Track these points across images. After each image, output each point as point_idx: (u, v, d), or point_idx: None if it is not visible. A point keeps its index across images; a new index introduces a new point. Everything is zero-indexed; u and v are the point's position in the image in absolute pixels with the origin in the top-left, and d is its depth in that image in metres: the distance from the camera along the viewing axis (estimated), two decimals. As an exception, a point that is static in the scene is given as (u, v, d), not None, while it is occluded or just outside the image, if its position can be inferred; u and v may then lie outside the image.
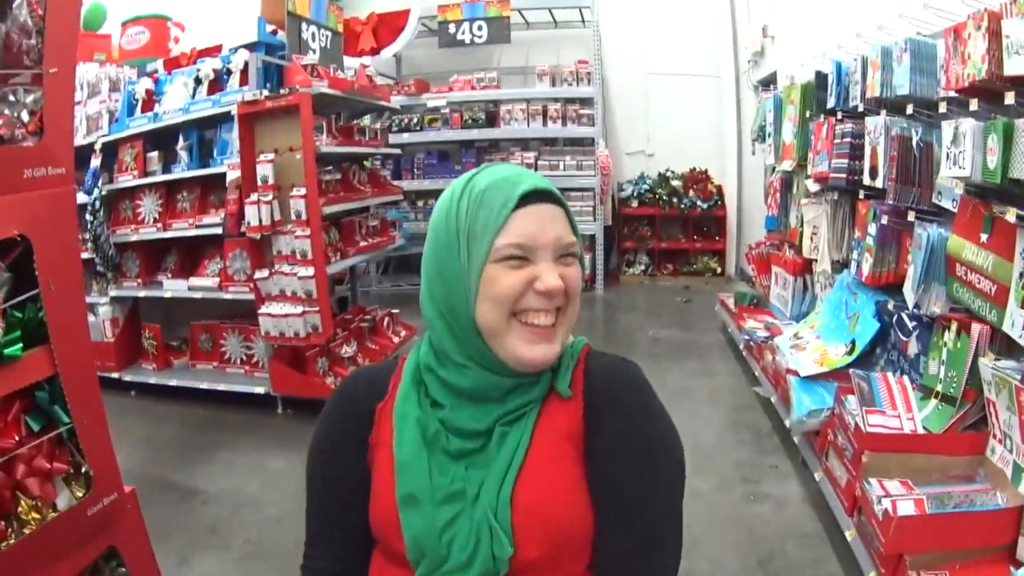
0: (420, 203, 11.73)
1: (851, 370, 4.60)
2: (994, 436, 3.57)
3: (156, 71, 7.42)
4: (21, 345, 2.36)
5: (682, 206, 11.96)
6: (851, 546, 3.78)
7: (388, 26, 11.25)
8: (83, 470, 2.68)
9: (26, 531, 2.37)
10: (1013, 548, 3.12)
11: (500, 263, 1.42)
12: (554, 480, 1.43)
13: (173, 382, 6.90)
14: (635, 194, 12.16)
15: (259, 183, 5.98)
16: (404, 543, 1.43)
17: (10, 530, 2.35)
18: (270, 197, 5.95)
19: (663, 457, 1.48)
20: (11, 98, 2.49)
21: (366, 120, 8.58)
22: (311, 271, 6.02)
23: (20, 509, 2.42)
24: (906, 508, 3.36)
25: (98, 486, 2.66)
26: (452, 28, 11.34)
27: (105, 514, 2.70)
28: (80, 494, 2.62)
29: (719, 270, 12.15)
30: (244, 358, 6.86)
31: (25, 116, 2.48)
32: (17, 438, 2.40)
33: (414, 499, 1.44)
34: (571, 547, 1.43)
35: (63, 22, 2.51)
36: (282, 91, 6.02)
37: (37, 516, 2.45)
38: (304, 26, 6.85)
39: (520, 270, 1.42)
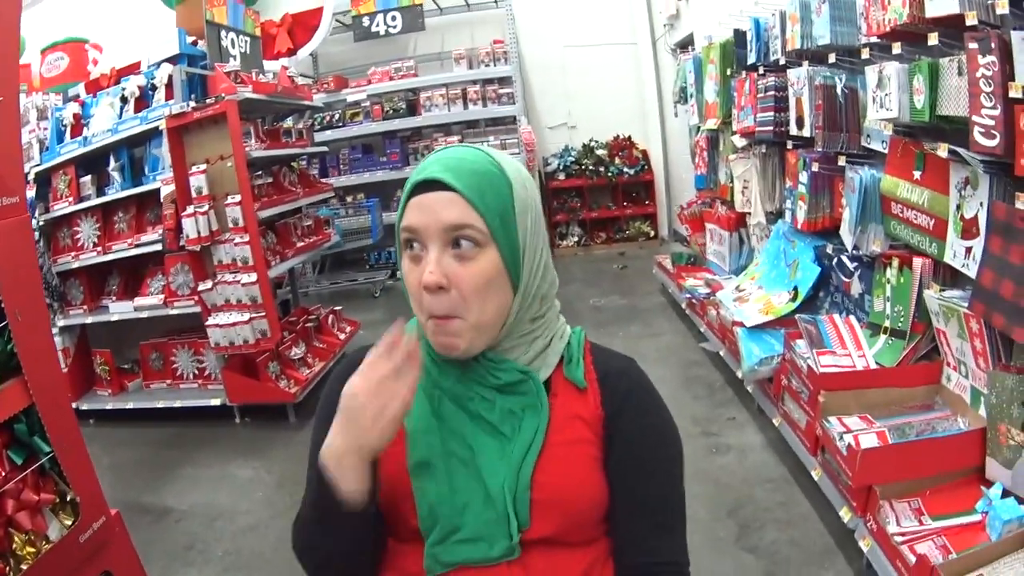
0: (349, 199, 11.66)
1: (797, 316, 4.74)
2: (948, 364, 3.72)
3: (79, 95, 7.30)
4: None
5: (609, 174, 12.04)
6: (819, 485, 3.91)
7: (302, 25, 11.13)
8: (68, 498, 2.68)
9: (23, 567, 2.37)
10: (982, 469, 3.24)
11: (405, 253, 1.46)
12: (574, 461, 1.48)
13: (130, 405, 6.79)
14: (561, 167, 12.20)
15: (194, 195, 5.92)
16: (416, 512, 1.46)
17: (7, 568, 2.35)
18: (206, 208, 5.90)
19: (673, 447, 1.58)
20: None
21: (288, 121, 8.54)
22: (254, 277, 5.98)
23: (14, 545, 2.42)
24: (869, 441, 3.48)
25: (86, 512, 2.67)
26: (366, 21, 11.31)
27: (96, 539, 2.71)
28: (69, 522, 2.63)
29: (652, 234, 12.25)
30: (196, 372, 6.80)
31: None
32: (3, 473, 2.40)
33: (428, 465, 1.46)
34: (583, 524, 1.49)
35: (4, 51, 2.49)
36: (208, 100, 5.96)
37: (32, 550, 2.45)
38: (223, 34, 6.78)
39: (417, 264, 1.44)
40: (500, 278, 1.44)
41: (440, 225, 1.40)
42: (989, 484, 3.13)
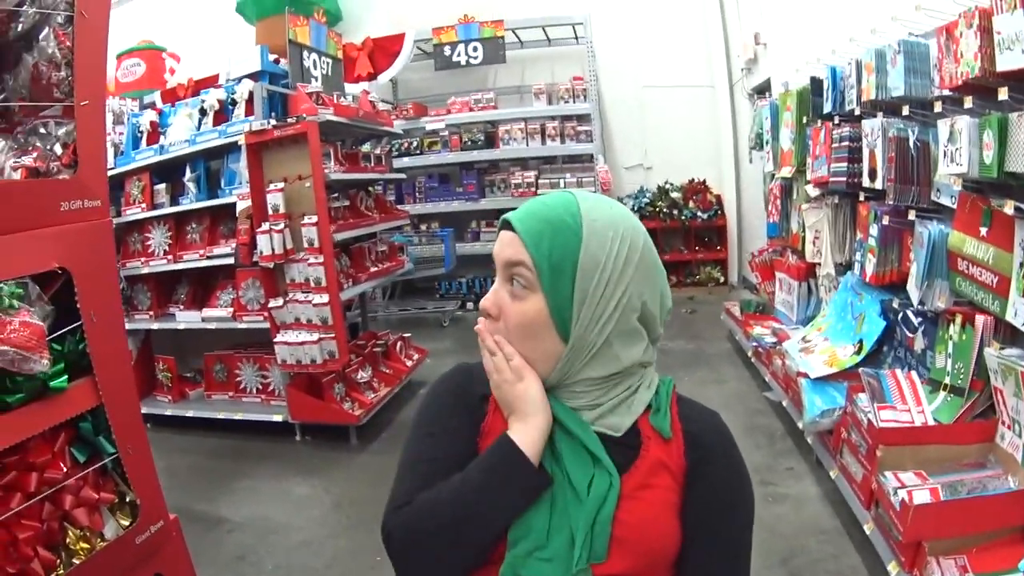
0: (423, 227, 11.80)
1: (860, 369, 4.69)
2: (1003, 423, 3.66)
3: (155, 102, 7.47)
4: (66, 377, 2.42)
5: (682, 217, 12.02)
6: (870, 539, 3.87)
7: (384, 51, 11.31)
8: (127, 499, 2.74)
9: (75, 561, 2.43)
10: (1028, 528, 3.20)
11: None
12: (654, 503, 1.52)
13: (190, 413, 6.92)
14: (635, 208, 12.16)
15: (270, 212, 6.03)
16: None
17: (59, 561, 2.41)
18: (281, 226, 6.01)
19: (748, 504, 1.62)
20: (42, 130, 2.56)
21: (366, 146, 8.65)
22: (326, 298, 6.06)
23: (68, 539, 2.48)
24: (922, 497, 3.44)
25: (145, 514, 2.73)
26: (447, 50, 11.45)
27: (152, 542, 2.77)
28: (125, 523, 2.69)
29: (722, 279, 12.21)
30: (260, 387, 6.90)
31: (58, 149, 2.54)
32: (64, 469, 2.46)
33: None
34: (655, 565, 1.52)
35: (92, 54, 2.57)
36: (289, 120, 6.07)
37: (86, 546, 2.51)
38: (306, 54, 6.92)
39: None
40: (543, 325, 1.51)
41: (501, 260, 1.54)
42: (1034, 544, 3.09)
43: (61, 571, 2.41)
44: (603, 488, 1.48)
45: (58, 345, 2.45)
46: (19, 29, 2.48)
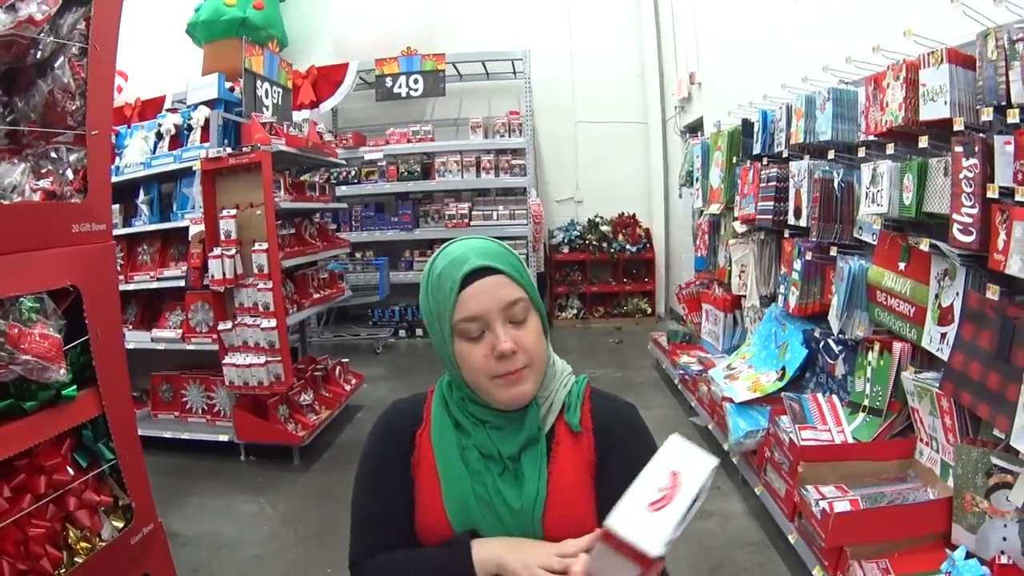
0: (358, 255, 11.87)
1: (783, 394, 4.98)
2: (921, 440, 3.97)
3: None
4: (76, 387, 2.61)
5: (611, 250, 12.29)
6: (795, 547, 4.12)
7: (327, 80, 11.39)
8: (120, 503, 2.94)
9: (77, 560, 2.62)
10: (948, 535, 3.45)
11: (463, 339, 1.72)
12: (575, 502, 1.75)
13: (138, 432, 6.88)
14: (566, 240, 12.47)
15: (222, 237, 6.13)
16: None
17: (63, 559, 2.61)
18: (233, 251, 6.10)
19: None
20: (53, 155, 2.72)
21: (307, 176, 8.75)
22: (273, 323, 6.17)
23: (70, 539, 2.67)
24: (842, 506, 3.72)
25: (139, 517, 2.93)
26: (389, 82, 11.60)
27: (144, 543, 2.97)
28: (119, 525, 2.88)
29: (649, 311, 12.47)
30: (206, 407, 6.96)
31: (70, 174, 2.71)
32: (71, 472, 2.66)
33: (465, 507, 1.76)
34: None
35: (102, 85, 2.75)
36: (244, 148, 6.19)
37: (87, 545, 2.70)
38: (259, 83, 7.03)
39: (480, 342, 1.71)
40: (542, 333, 1.77)
41: (500, 305, 1.69)
42: (954, 548, 3.33)
43: (63, 570, 2.58)
44: (531, 496, 1.74)
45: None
46: (37, 56, 2.62)
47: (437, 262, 1.77)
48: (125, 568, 2.89)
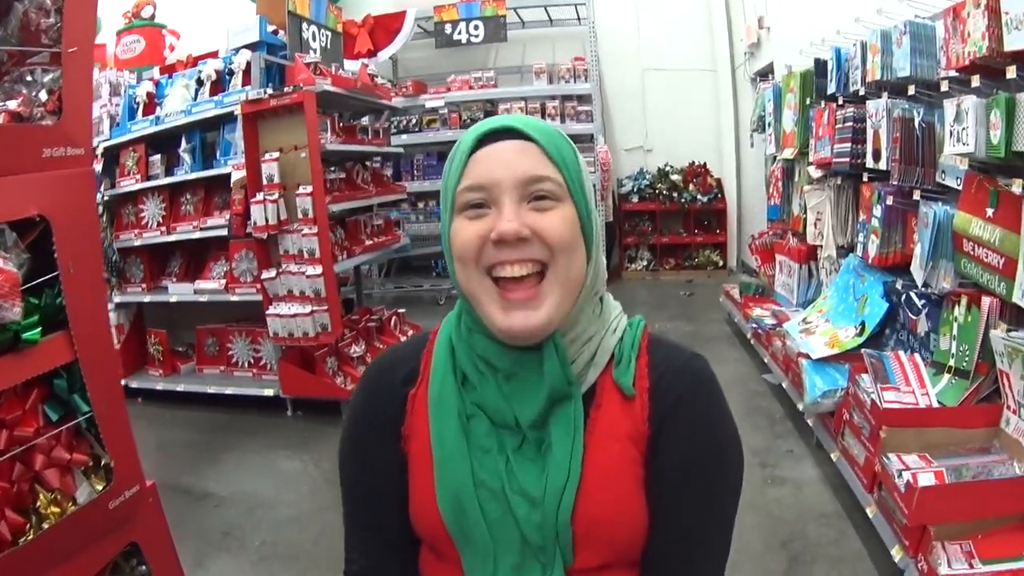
0: (420, 204, 11.75)
1: (863, 350, 4.67)
2: (1008, 407, 3.64)
3: (154, 76, 7.42)
4: (40, 330, 2.32)
5: (682, 200, 12.02)
6: (873, 522, 3.85)
7: (384, 28, 11.28)
8: (103, 463, 2.63)
9: (45, 525, 2.34)
10: (1035, 515, 3.17)
11: (462, 215, 1.33)
12: (617, 490, 1.33)
13: (180, 387, 6.89)
14: (635, 190, 12.22)
15: (265, 182, 6.00)
16: (451, 543, 1.38)
17: (29, 525, 2.32)
18: (276, 196, 5.97)
19: (728, 470, 1.40)
20: (28, 77, 2.50)
21: (365, 120, 8.60)
22: (319, 269, 6.01)
23: (39, 503, 2.39)
24: (927, 480, 3.42)
25: (119, 478, 2.61)
26: (448, 28, 11.39)
27: (127, 508, 2.66)
28: (100, 487, 2.57)
29: (721, 263, 12.22)
30: (252, 361, 6.87)
31: (43, 95, 2.48)
32: (35, 427, 2.37)
33: (458, 502, 1.35)
34: (629, 551, 1.35)
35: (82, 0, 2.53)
36: (286, 89, 6.02)
37: (57, 510, 2.40)
38: (305, 26, 6.87)
39: (479, 220, 1.31)
40: (578, 236, 1.33)
41: (515, 176, 1.29)
42: (1043, 530, 3.06)
43: (31, 535, 2.30)
44: (559, 484, 1.31)
45: (35, 299, 2.36)
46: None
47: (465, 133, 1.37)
48: (104, 535, 2.62)
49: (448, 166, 1.37)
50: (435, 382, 1.43)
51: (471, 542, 1.35)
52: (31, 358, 2.33)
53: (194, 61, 7.52)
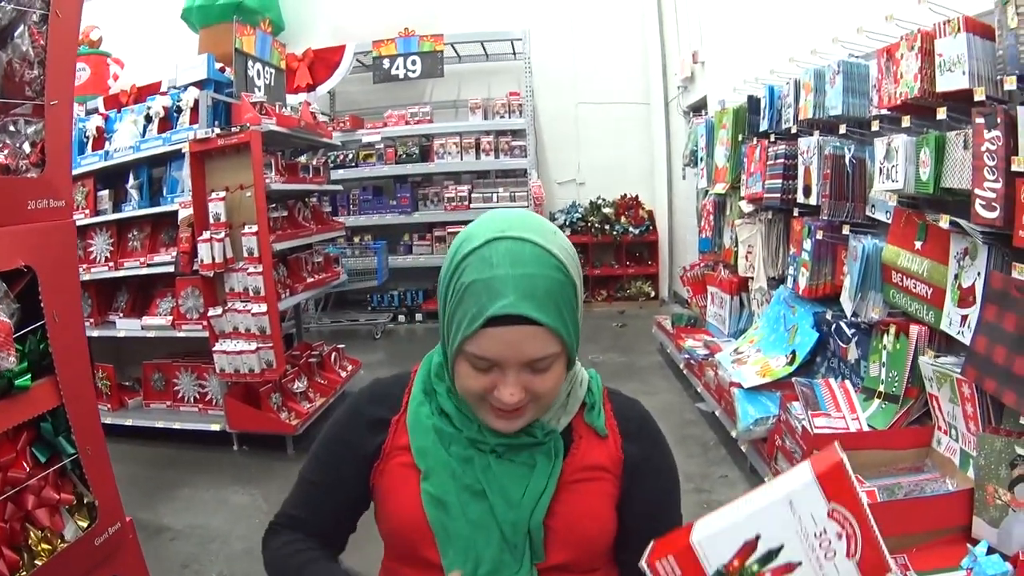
0: (356, 239, 11.74)
1: (793, 379, 4.80)
2: (939, 428, 3.79)
3: (98, 108, 7.38)
4: (30, 376, 2.40)
5: (614, 233, 12.12)
6: (808, 541, 3.95)
7: (323, 62, 11.33)
8: (85, 501, 2.73)
9: (37, 562, 2.41)
10: (968, 529, 3.28)
11: (467, 360, 1.45)
12: (590, 498, 1.59)
13: (128, 422, 6.75)
14: (567, 223, 12.26)
15: (211, 221, 6.00)
16: (434, 545, 1.54)
17: (21, 563, 2.39)
18: (222, 235, 5.97)
19: (678, 486, 1.75)
20: (12, 128, 2.54)
21: (303, 157, 8.64)
22: (264, 307, 6.03)
23: (30, 540, 2.47)
24: (860, 499, 3.54)
25: (103, 516, 2.71)
26: (386, 63, 11.50)
27: (110, 544, 2.75)
28: (84, 524, 2.66)
29: (653, 294, 12.34)
30: (198, 396, 6.81)
31: (27, 147, 2.52)
32: (26, 470, 2.45)
33: (443, 503, 1.53)
34: (595, 554, 1.61)
35: (63, 54, 2.56)
36: (233, 129, 6.05)
37: (47, 547, 2.49)
38: (250, 63, 6.88)
39: (485, 375, 1.44)
40: (563, 376, 1.52)
41: (522, 359, 1.42)
42: (975, 542, 3.16)
43: (24, 573, 2.38)
44: (538, 490, 1.53)
45: (20, 345, 2.42)
46: (-2, 26, 2.47)
47: (470, 261, 1.43)
48: (90, 571, 2.69)
49: (455, 295, 1.45)
50: (413, 408, 1.64)
51: (453, 539, 1.53)
52: (22, 403, 2.41)
53: (137, 91, 7.50)
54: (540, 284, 1.40)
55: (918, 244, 3.91)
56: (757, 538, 1.28)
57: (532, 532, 1.52)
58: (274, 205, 6.93)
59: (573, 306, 1.47)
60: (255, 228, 6.00)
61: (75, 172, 6.77)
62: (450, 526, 1.53)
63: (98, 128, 6.98)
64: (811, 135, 5.15)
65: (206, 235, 5.99)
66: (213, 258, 5.97)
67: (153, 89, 7.25)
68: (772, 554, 1.28)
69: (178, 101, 6.62)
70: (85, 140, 7.00)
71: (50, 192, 2.54)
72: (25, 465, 2.46)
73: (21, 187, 2.48)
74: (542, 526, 1.53)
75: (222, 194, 6.01)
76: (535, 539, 1.52)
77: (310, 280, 7.44)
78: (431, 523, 1.53)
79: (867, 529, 1.29)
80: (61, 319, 2.53)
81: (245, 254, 6.04)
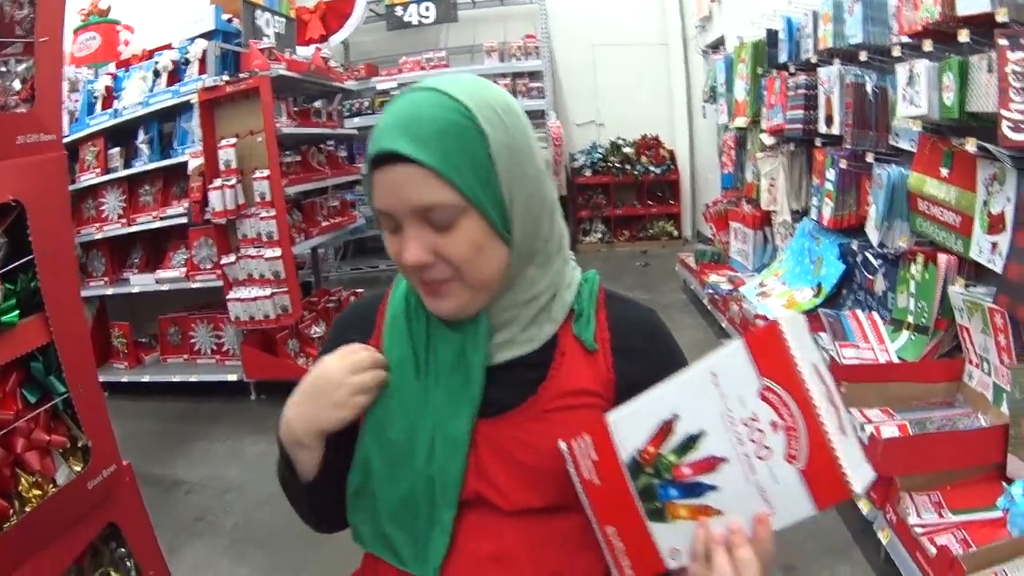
0: (375, 184, 11.71)
1: (820, 310, 4.76)
2: (970, 361, 3.74)
3: (111, 71, 7.37)
4: (18, 312, 2.35)
5: (635, 172, 12.05)
6: (837, 475, 3.92)
7: (336, 13, 11.23)
8: (80, 444, 2.67)
9: (27, 509, 2.36)
10: (1003, 466, 3.23)
11: (384, 224, 1.32)
12: (570, 427, 1.28)
13: (145, 378, 6.84)
14: (588, 163, 12.21)
15: (222, 168, 5.98)
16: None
17: (12, 510, 2.35)
18: (233, 181, 5.96)
19: None
20: (3, 68, 2.51)
21: (318, 103, 8.60)
22: (278, 252, 6.01)
23: (21, 487, 2.41)
24: (890, 432, 3.49)
25: (97, 458, 2.65)
26: (399, 11, 11.39)
27: (105, 487, 2.69)
28: (78, 468, 2.61)
29: (675, 233, 12.27)
30: (214, 347, 6.85)
31: (17, 84, 2.50)
32: (15, 410, 2.40)
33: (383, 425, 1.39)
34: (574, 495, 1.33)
35: None
36: (241, 75, 6.02)
37: (38, 492, 2.42)
38: (259, 13, 6.84)
39: (395, 236, 1.29)
40: (488, 240, 1.27)
41: (408, 205, 1.24)
42: (1010, 481, 3.12)
43: (14, 520, 2.32)
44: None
45: (10, 283, 2.39)
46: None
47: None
48: (84, 517, 2.65)
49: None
50: (388, 329, 1.46)
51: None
52: (9, 341, 2.36)
53: (149, 54, 7.47)
54: (427, 125, 1.23)
55: (944, 171, 3.83)
56: (675, 418, 1.09)
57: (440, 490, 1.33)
58: (287, 151, 6.92)
59: (483, 158, 1.25)
60: (267, 172, 5.98)
61: (84, 132, 6.80)
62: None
63: (107, 87, 6.99)
64: (831, 65, 5.06)
65: (217, 182, 5.98)
66: (225, 205, 5.97)
67: (165, 50, 7.22)
68: (691, 440, 1.08)
69: (186, 54, 6.60)
70: (94, 100, 7.01)
71: (39, 126, 2.51)
72: (13, 406, 2.41)
73: (9, 122, 2.44)
74: (460, 478, 1.32)
75: (232, 141, 6.00)
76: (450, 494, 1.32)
77: (325, 224, 7.43)
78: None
79: (813, 424, 0.98)
80: (51, 254, 2.48)
81: (257, 199, 6.03)
